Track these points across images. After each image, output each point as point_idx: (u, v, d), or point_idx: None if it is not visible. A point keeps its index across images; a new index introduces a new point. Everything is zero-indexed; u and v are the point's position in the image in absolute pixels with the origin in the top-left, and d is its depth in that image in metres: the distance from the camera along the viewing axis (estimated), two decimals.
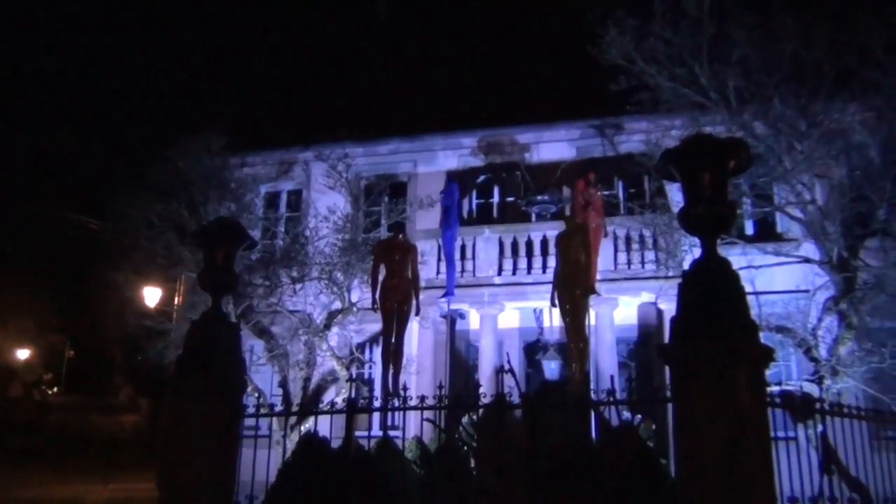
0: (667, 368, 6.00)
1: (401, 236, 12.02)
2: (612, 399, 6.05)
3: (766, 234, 14.24)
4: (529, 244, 14.44)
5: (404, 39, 20.23)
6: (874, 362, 10.95)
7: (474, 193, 17.18)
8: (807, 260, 11.66)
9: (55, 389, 43.89)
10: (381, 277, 11.71)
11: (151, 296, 16.83)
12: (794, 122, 11.27)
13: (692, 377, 4.97)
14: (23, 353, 40.83)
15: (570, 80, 14.87)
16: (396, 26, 21.38)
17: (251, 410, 7.05)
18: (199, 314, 7.02)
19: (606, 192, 14.87)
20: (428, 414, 8.64)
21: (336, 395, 13.83)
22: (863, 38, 10.67)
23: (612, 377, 6.60)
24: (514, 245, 14.57)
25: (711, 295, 4.97)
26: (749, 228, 14.45)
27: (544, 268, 13.88)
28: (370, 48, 20.34)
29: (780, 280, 12.08)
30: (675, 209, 9.66)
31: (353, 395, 9.97)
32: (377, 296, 11.54)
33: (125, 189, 14.17)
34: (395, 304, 11.47)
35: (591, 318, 12.48)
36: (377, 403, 9.19)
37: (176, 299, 16.58)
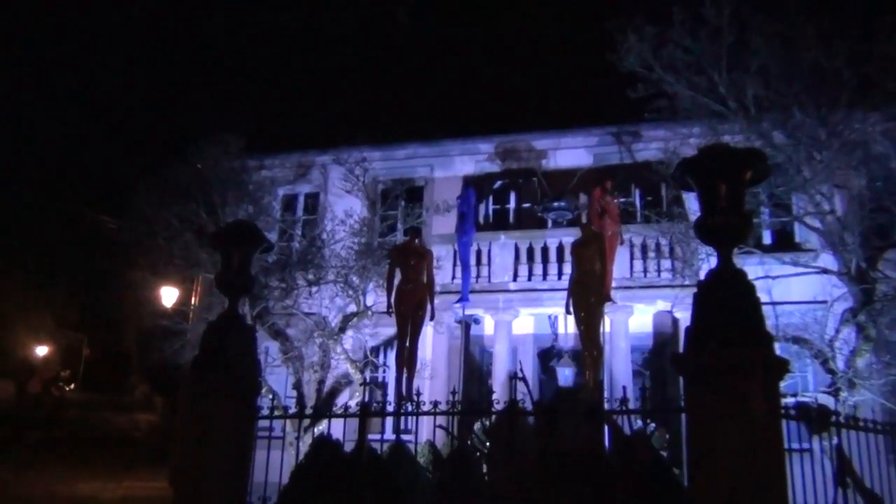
0: (681, 378, 5.98)
1: (417, 241, 12.05)
2: (624, 408, 6.04)
3: (784, 243, 14.15)
4: (545, 250, 14.43)
5: (424, 46, 20.32)
6: (892, 375, 10.84)
7: (490, 199, 17.19)
8: (825, 271, 11.57)
9: (72, 386, 44.28)
10: (396, 282, 11.74)
11: (168, 296, 16.97)
12: (814, 131, 11.19)
13: (706, 387, 4.96)
14: (42, 350, 41.24)
15: (587, 86, 14.94)
16: (416, 33, 21.49)
17: (265, 412, 7.09)
18: (216, 315, 7.09)
19: (623, 200, 14.84)
20: (440, 420, 8.66)
21: (350, 398, 13.86)
22: (884, 47, 10.59)
23: (623, 387, 6.59)
24: (530, 251, 14.56)
25: (726, 305, 4.95)
26: (767, 238, 14.36)
27: (560, 274, 13.85)
28: (390, 54, 20.45)
29: (798, 290, 12.00)
30: (692, 218, 9.62)
31: (366, 398, 10.01)
32: (392, 300, 11.57)
33: (144, 189, 14.29)
34: (410, 308, 11.50)
35: (606, 325, 12.45)
36: (390, 407, 9.21)
37: (193, 300, 16.71)
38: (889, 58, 10.60)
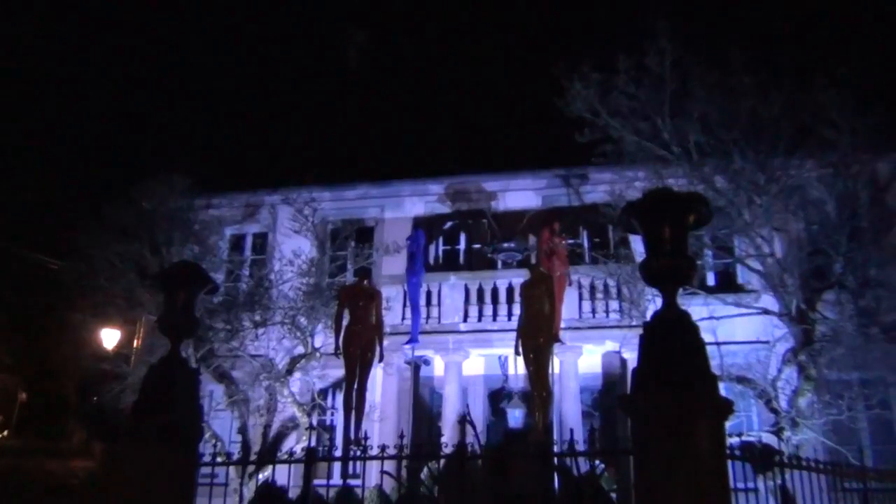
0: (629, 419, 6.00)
1: (366, 282, 11.96)
2: (571, 451, 6.03)
3: (727, 285, 14.44)
4: (495, 291, 14.46)
5: (374, 86, 20.49)
6: (832, 414, 11.09)
7: (440, 240, 17.21)
8: (766, 311, 11.85)
9: (6, 433, 42.46)
10: (345, 323, 11.61)
11: (109, 338, 16.49)
12: (754, 176, 11.57)
13: (651, 429, 4.97)
14: None
15: (536, 130, 15.16)
16: (367, 73, 21.65)
17: (208, 458, 6.88)
18: (158, 358, 6.88)
19: (571, 242, 15.02)
20: (388, 465, 8.52)
21: (296, 442, 13.56)
22: (818, 97, 11.05)
23: (571, 430, 6.59)
24: (480, 292, 14.58)
25: (671, 347, 5.00)
26: (711, 279, 14.66)
27: (510, 315, 13.87)
28: (340, 94, 20.54)
29: (741, 331, 12.24)
30: (639, 259, 9.79)
31: (313, 442, 9.81)
32: (340, 341, 11.42)
33: (86, 228, 13.93)
34: (359, 349, 11.35)
35: (556, 366, 12.47)
36: (337, 452, 9.05)
37: (135, 342, 16.25)
38: (823, 107, 11.07)
